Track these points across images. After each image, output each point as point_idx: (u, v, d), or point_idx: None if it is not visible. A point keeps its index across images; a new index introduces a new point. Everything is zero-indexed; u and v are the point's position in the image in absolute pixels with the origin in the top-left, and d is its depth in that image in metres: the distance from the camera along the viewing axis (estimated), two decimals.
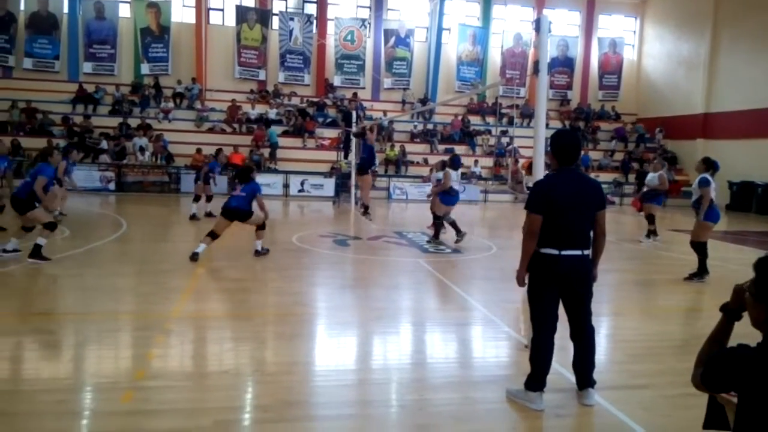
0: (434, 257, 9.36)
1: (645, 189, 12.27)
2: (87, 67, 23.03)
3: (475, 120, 25.35)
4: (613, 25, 28.07)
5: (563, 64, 26.92)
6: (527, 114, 24.90)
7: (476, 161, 22.39)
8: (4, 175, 10.66)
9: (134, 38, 23.29)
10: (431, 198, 11.58)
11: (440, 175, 10.90)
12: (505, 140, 23.89)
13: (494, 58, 26.51)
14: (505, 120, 25.29)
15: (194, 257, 8.04)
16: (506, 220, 9.95)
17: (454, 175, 10.48)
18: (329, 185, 19.84)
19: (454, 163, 10.69)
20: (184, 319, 5.54)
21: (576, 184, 3.75)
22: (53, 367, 4.28)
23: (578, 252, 3.69)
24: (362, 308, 6.32)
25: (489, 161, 23.06)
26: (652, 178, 11.97)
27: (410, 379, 4.33)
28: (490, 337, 5.53)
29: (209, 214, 12.62)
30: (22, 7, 22.33)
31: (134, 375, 4.09)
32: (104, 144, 19.79)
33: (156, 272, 7.61)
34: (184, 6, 23.92)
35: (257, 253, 8.75)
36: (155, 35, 23.31)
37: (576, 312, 3.84)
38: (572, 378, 4.01)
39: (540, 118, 4.79)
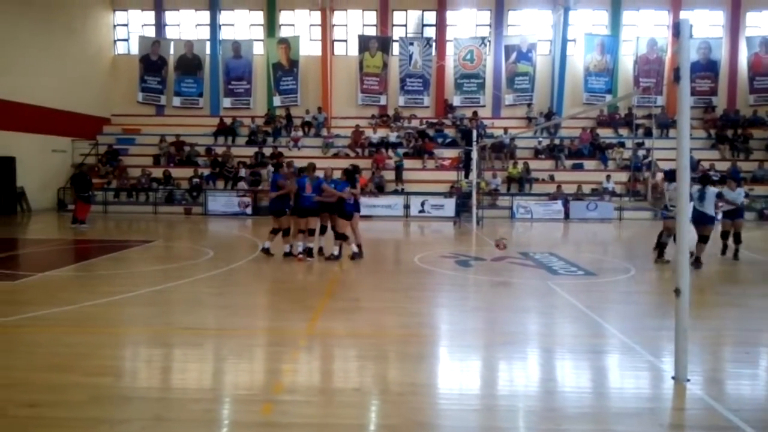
0: (565, 280, 8.88)
1: None
2: (226, 102, 25.53)
3: (605, 132, 23.98)
4: (764, 22, 25.23)
5: (705, 68, 24.69)
6: (664, 124, 23.10)
7: (608, 176, 21.11)
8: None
9: (267, 73, 25.27)
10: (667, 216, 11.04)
11: (673, 186, 10.71)
12: (641, 153, 22.31)
13: (626, 66, 25.01)
14: (640, 131, 23.65)
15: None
16: (645, 239, 9.11)
17: (671, 188, 9.75)
18: (449, 205, 19.79)
19: (669, 175, 10.21)
20: (316, 336, 5.77)
21: None
22: (200, 378, 4.65)
23: None
24: (488, 331, 6.16)
25: (623, 176, 21.62)
26: None
27: (541, 407, 4.12)
28: (629, 366, 5.09)
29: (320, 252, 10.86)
30: (171, 51, 25.35)
31: (271, 388, 4.31)
32: (242, 172, 21.50)
33: (289, 290, 8.05)
34: (311, 40, 25.48)
35: None
36: (285, 69, 25.09)
37: None
38: (729, 415, 3.58)
39: (683, 128, 4.41)
